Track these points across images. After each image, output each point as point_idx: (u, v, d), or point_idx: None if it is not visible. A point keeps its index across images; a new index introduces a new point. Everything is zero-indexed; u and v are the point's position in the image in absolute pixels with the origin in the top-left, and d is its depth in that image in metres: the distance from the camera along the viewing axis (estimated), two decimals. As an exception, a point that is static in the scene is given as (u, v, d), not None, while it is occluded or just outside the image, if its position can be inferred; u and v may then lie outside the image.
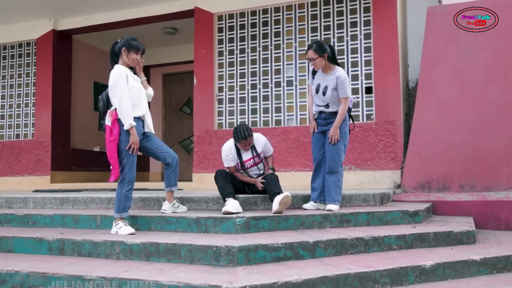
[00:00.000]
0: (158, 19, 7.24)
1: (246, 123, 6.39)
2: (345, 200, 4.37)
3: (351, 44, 6.01)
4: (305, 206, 4.23)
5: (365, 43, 5.93)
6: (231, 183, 4.12)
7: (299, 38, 6.26)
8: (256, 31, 6.51)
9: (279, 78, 6.32)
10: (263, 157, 4.39)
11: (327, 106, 4.18)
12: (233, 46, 6.61)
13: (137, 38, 3.79)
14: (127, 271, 2.87)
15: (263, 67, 6.43)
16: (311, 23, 6.22)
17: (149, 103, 3.94)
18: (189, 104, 9.18)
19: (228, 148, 4.32)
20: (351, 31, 6.03)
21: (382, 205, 4.47)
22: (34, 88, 7.77)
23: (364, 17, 5.97)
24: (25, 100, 7.87)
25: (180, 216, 3.76)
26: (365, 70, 5.90)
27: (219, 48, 6.67)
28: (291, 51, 6.29)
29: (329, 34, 6.10)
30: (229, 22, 6.66)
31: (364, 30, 5.95)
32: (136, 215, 3.87)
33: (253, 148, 4.29)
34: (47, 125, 7.49)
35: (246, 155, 4.31)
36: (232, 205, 3.80)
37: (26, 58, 7.93)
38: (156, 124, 9.04)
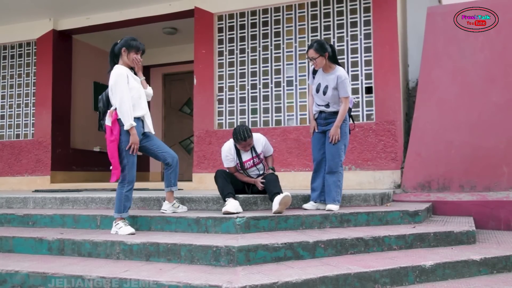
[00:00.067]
0: (158, 19, 7.24)
1: (246, 123, 6.40)
2: (345, 200, 4.37)
3: (351, 44, 6.01)
4: (305, 206, 4.23)
5: (365, 43, 5.93)
6: (231, 183, 4.12)
7: (299, 38, 6.27)
8: (256, 31, 6.51)
9: (279, 78, 6.32)
10: (263, 157, 4.38)
11: (327, 105, 4.18)
12: (233, 46, 6.61)
13: (136, 38, 3.79)
14: (127, 271, 2.87)
15: (263, 67, 6.43)
16: (311, 23, 6.23)
17: (149, 103, 3.94)
18: (189, 104, 9.18)
19: (228, 148, 4.31)
20: (351, 31, 6.03)
21: (382, 205, 4.47)
22: (34, 88, 7.77)
23: (364, 17, 5.97)
24: (25, 100, 7.87)
25: (180, 216, 3.76)
26: (365, 70, 5.90)
27: (219, 48, 6.67)
28: (291, 51, 6.29)
29: (329, 34, 6.11)
30: (229, 22, 6.66)
31: (364, 30, 5.95)
32: (136, 215, 3.87)
33: (252, 148, 4.29)
34: (47, 125, 7.49)
35: (246, 156, 4.31)
36: (232, 205, 3.80)
37: (26, 58, 7.93)
38: (156, 124, 9.04)
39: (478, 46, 5.39)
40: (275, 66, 6.36)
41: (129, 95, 3.62)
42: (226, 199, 3.92)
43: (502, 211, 4.68)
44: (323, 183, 4.18)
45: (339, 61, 4.40)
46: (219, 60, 6.66)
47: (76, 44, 8.19)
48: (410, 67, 6.71)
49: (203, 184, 6.35)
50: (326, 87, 4.13)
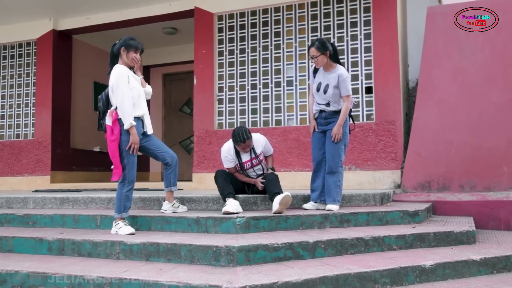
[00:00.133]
0: (158, 19, 7.24)
1: (246, 123, 6.40)
2: (345, 200, 4.37)
3: (351, 44, 6.01)
4: (305, 206, 4.23)
5: (365, 43, 5.93)
6: (231, 183, 4.12)
7: (299, 38, 6.27)
8: (256, 31, 6.51)
9: (279, 78, 6.32)
10: (262, 158, 4.38)
11: (327, 104, 4.18)
12: (233, 46, 6.61)
13: (135, 38, 3.80)
14: (127, 271, 2.87)
15: (263, 67, 6.43)
16: (311, 23, 6.23)
17: (148, 102, 3.94)
18: (189, 104, 9.18)
19: (227, 149, 4.31)
20: (351, 31, 6.03)
21: (382, 205, 4.47)
22: (34, 88, 7.77)
23: (364, 17, 5.97)
24: (25, 100, 7.87)
25: (180, 216, 3.76)
26: (365, 70, 5.90)
27: (219, 48, 6.67)
28: (291, 51, 6.29)
29: (329, 34, 6.10)
30: (229, 22, 6.66)
31: (364, 30, 5.95)
32: (136, 215, 3.87)
33: (252, 149, 4.29)
34: (47, 125, 7.49)
35: (245, 157, 4.30)
36: (232, 205, 3.80)
37: (26, 58, 7.93)
38: (156, 124, 9.11)
39: (478, 46, 5.38)
40: (275, 66, 6.36)
41: (130, 95, 3.62)
42: (226, 199, 3.92)
43: (502, 211, 4.68)
44: (323, 183, 4.18)
45: (340, 60, 4.40)
46: (219, 60, 6.66)
47: (76, 44, 8.19)
48: (410, 67, 6.71)
49: (203, 184, 6.35)
50: (327, 85, 4.13)
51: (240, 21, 6.60)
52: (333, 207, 4.01)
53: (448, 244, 3.61)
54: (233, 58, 6.59)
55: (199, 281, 2.56)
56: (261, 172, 4.38)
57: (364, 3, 5.98)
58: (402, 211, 4.05)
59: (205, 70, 6.64)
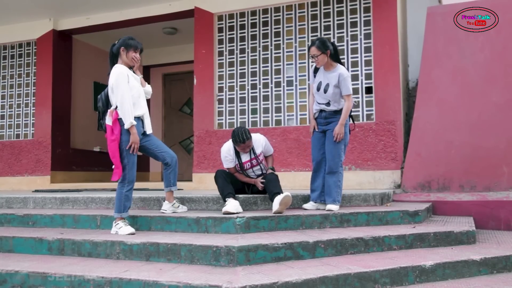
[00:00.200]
0: (158, 19, 7.24)
1: (246, 123, 6.40)
2: (345, 200, 4.37)
3: (351, 44, 6.01)
4: (305, 206, 4.23)
5: (365, 43, 5.93)
6: (231, 183, 4.12)
7: (299, 38, 6.27)
8: (256, 31, 6.51)
9: (279, 78, 6.32)
10: (262, 158, 4.38)
11: (328, 104, 4.18)
12: (233, 46, 6.61)
13: (134, 38, 3.80)
14: (127, 271, 2.87)
15: (263, 67, 6.43)
16: (311, 23, 6.23)
17: (148, 103, 3.94)
18: (189, 104, 9.18)
19: (227, 149, 4.31)
20: (351, 31, 6.03)
21: (382, 205, 4.47)
22: (34, 88, 7.77)
23: (364, 17, 5.97)
24: (25, 100, 7.87)
25: (180, 216, 3.76)
26: (365, 70, 5.90)
27: (219, 48, 6.67)
28: (291, 51, 6.29)
29: (329, 34, 6.10)
30: (229, 22, 6.66)
31: (364, 30, 5.95)
32: (136, 215, 3.87)
33: (252, 150, 4.28)
34: (47, 125, 7.49)
35: (245, 157, 4.30)
36: (232, 205, 3.80)
37: (26, 58, 7.93)
38: (156, 124, 9.12)
39: (478, 46, 5.38)
40: (275, 66, 6.36)
41: (130, 94, 3.62)
42: (226, 199, 3.92)
43: (502, 211, 4.67)
44: (323, 184, 4.18)
45: (340, 60, 4.40)
46: (219, 60, 6.66)
47: (76, 44, 8.19)
48: (410, 67, 6.71)
49: (203, 184, 6.35)
50: (327, 85, 4.14)
51: (240, 21, 6.60)
52: (333, 207, 4.01)
53: (448, 244, 3.61)
54: (233, 58, 6.59)
55: (199, 281, 2.56)
56: (261, 172, 4.38)
57: (364, 3, 5.98)
58: (402, 211, 4.05)
59: (205, 70, 6.64)
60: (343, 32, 6.07)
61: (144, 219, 3.84)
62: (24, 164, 7.60)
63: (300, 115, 6.15)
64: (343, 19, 6.08)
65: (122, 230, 3.55)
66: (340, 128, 4.09)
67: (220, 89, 6.63)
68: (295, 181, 5.92)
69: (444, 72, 5.47)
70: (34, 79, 7.80)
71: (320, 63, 4.16)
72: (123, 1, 6.95)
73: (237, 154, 4.29)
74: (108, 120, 3.63)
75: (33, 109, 7.76)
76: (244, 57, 6.54)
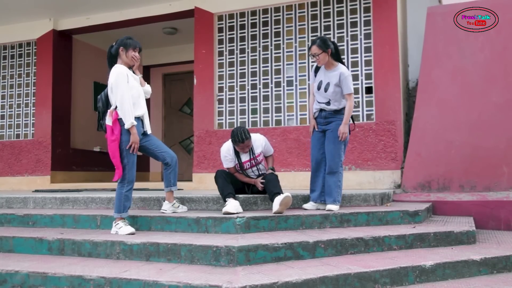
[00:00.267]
0: (158, 19, 7.24)
1: (246, 123, 6.40)
2: (345, 200, 4.37)
3: (351, 44, 6.01)
4: (305, 206, 4.23)
5: (365, 43, 5.93)
6: (231, 183, 4.12)
7: (299, 38, 6.27)
8: (256, 31, 6.51)
9: (279, 78, 6.32)
10: (262, 158, 4.38)
11: (328, 103, 4.18)
12: (233, 46, 6.61)
13: (132, 37, 3.80)
14: (127, 271, 2.87)
15: (263, 67, 6.43)
16: (311, 23, 6.23)
17: (148, 103, 3.95)
18: (189, 104, 9.18)
19: (227, 149, 4.31)
20: (351, 31, 6.03)
21: (382, 205, 4.47)
22: (34, 88, 7.77)
23: (364, 17, 5.97)
24: (25, 100, 7.87)
25: (180, 216, 3.76)
26: (365, 70, 5.90)
27: (219, 48, 6.67)
28: (291, 51, 6.29)
29: (329, 34, 6.10)
30: (229, 22, 6.66)
31: (364, 30, 5.95)
32: (136, 215, 3.87)
33: (251, 150, 4.29)
34: (47, 125, 7.49)
35: (245, 157, 4.31)
36: (232, 205, 3.80)
37: (26, 58, 7.93)
38: (156, 124, 9.14)
39: (478, 46, 5.38)
40: (275, 66, 6.36)
41: (130, 94, 3.62)
42: (226, 199, 3.92)
43: (502, 211, 4.68)
44: (323, 184, 4.18)
45: (342, 59, 4.39)
46: (219, 60, 6.66)
47: (76, 44, 8.19)
48: (410, 67, 6.71)
49: (203, 184, 6.35)
50: (328, 84, 4.14)
51: (240, 21, 6.60)
52: (333, 207, 4.01)
53: (448, 244, 3.61)
54: (233, 58, 6.59)
55: (199, 281, 2.56)
56: (261, 172, 4.38)
57: (364, 3, 5.98)
58: (402, 211, 4.05)
59: (205, 70, 6.64)
60: (343, 32, 6.07)
61: (144, 219, 3.84)
62: (24, 164, 7.60)
63: (300, 115, 6.15)
64: (343, 19, 6.08)
65: (122, 230, 3.55)
66: (344, 127, 4.09)
67: (220, 89, 6.63)
68: (295, 181, 5.92)
69: (444, 72, 5.47)
70: (34, 79, 7.80)
71: (321, 62, 4.16)
72: (123, 1, 6.95)
73: (237, 154, 4.30)
74: (108, 120, 3.63)
75: (33, 109, 7.76)
76: (244, 57, 6.54)
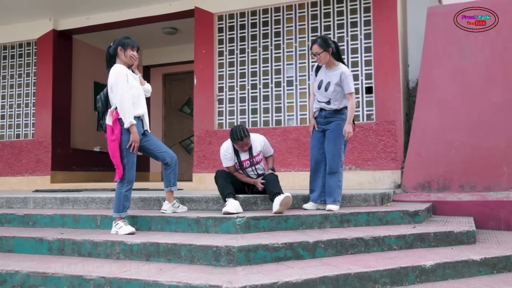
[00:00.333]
0: (158, 19, 7.24)
1: (246, 123, 6.40)
2: (345, 200, 4.37)
3: (351, 44, 6.01)
4: (305, 206, 4.23)
5: (365, 43, 5.93)
6: (231, 183, 4.12)
7: (299, 38, 6.27)
8: (256, 31, 6.51)
9: (279, 78, 6.32)
10: (261, 158, 4.38)
11: (328, 102, 4.18)
12: (233, 46, 6.61)
13: (129, 37, 3.80)
14: (127, 271, 2.87)
15: (263, 67, 6.43)
16: (311, 23, 6.23)
17: (148, 103, 3.95)
18: (189, 104, 9.18)
19: (226, 148, 4.32)
20: (351, 31, 6.03)
21: (382, 205, 4.47)
22: (34, 88, 7.77)
23: (364, 17, 5.97)
24: (25, 100, 7.87)
25: (180, 216, 3.76)
26: (365, 70, 5.90)
27: (219, 48, 6.67)
28: (291, 51, 6.29)
29: (330, 34, 6.10)
30: (229, 22, 6.66)
31: (364, 30, 5.95)
32: (136, 215, 3.87)
33: (250, 148, 4.29)
34: (47, 125, 7.49)
35: (244, 156, 4.31)
36: (232, 205, 3.80)
37: (26, 58, 7.93)
38: (156, 124, 9.14)
39: (478, 46, 5.38)
40: (275, 66, 6.36)
41: (129, 93, 3.62)
42: (226, 199, 3.92)
43: (502, 211, 4.68)
44: (323, 184, 4.18)
45: (342, 59, 4.39)
46: (219, 60, 6.66)
47: (76, 44, 8.19)
48: (410, 67, 6.71)
49: (203, 184, 6.35)
50: (328, 83, 4.14)
51: (240, 21, 6.60)
52: (333, 207, 4.01)
53: (448, 244, 3.61)
54: (233, 58, 6.59)
55: (199, 281, 2.56)
56: (261, 172, 4.38)
57: (364, 3, 5.98)
58: (402, 211, 4.05)
59: (205, 70, 6.64)
60: (343, 32, 6.07)
61: (144, 219, 3.84)
62: (24, 164, 7.60)
63: (300, 115, 6.15)
64: (343, 19, 6.08)
65: (122, 230, 3.55)
66: (348, 126, 4.09)
67: (220, 89, 6.63)
68: (295, 181, 5.92)
69: (444, 72, 5.47)
70: (34, 79, 7.80)
71: (322, 61, 4.16)
72: (123, 1, 6.95)
73: (236, 153, 4.30)
74: (108, 120, 3.63)
75: (33, 109, 7.76)
76: (244, 57, 6.55)
